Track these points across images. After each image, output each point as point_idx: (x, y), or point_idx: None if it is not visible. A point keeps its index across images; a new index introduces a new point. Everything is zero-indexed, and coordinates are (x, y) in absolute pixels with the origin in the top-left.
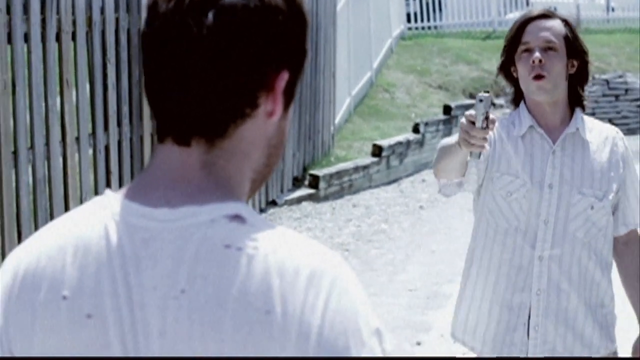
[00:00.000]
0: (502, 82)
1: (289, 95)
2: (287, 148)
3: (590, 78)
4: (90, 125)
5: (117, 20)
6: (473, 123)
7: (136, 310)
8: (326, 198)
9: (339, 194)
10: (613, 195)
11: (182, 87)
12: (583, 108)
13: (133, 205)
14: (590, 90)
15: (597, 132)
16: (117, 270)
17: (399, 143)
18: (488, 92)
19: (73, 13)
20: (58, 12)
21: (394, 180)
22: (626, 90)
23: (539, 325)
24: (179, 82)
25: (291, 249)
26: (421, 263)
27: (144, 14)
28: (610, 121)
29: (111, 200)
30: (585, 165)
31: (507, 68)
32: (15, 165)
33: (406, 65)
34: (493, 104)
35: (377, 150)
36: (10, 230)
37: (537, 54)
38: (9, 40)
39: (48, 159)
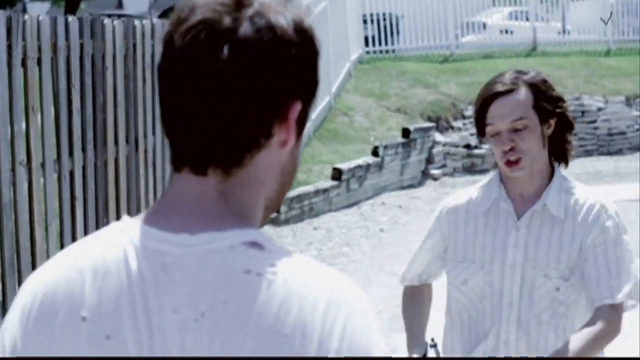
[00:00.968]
0: (460, 105)
1: (301, 124)
2: None
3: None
4: (55, 151)
5: (81, 46)
6: None
7: (155, 333)
8: (287, 221)
9: (299, 218)
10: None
11: (199, 119)
12: (567, 162)
13: (152, 231)
14: None
15: (575, 205)
16: (136, 293)
17: (359, 166)
18: (435, 345)
19: (38, 39)
20: (24, 39)
21: (354, 203)
22: (583, 112)
23: None
24: (196, 115)
25: (309, 274)
26: (383, 285)
27: (108, 39)
28: None
29: (129, 226)
30: (552, 245)
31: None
32: None
33: (365, 89)
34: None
35: (337, 174)
36: None
37: (505, 141)
38: None
39: (14, 184)
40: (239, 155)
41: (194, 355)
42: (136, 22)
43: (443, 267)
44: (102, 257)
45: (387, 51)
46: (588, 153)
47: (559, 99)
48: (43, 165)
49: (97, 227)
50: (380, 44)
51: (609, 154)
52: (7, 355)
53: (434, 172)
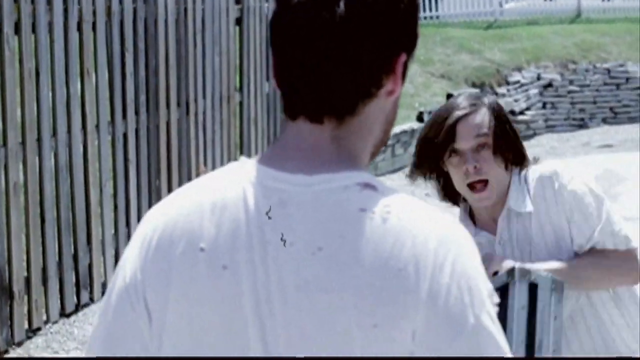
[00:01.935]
0: (504, 71)
1: (404, 75)
2: None
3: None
4: (109, 113)
5: (134, 10)
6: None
7: (270, 264)
8: None
9: None
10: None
11: (317, 71)
12: (523, 164)
13: (269, 171)
14: (592, 79)
15: (535, 193)
16: (253, 227)
17: (404, 132)
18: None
19: (93, 3)
20: (79, 3)
21: (399, 168)
22: (627, 79)
23: None
24: (314, 67)
25: (422, 214)
26: None
27: (160, 4)
28: (612, 110)
29: (247, 166)
30: (534, 240)
31: (428, 164)
32: (39, 152)
33: None
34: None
35: None
36: (34, 215)
37: (470, 159)
38: (33, 29)
39: (69, 146)
40: (353, 105)
41: (311, 287)
42: None
43: None
44: (221, 193)
45: (431, 17)
46: (632, 120)
47: (515, 134)
48: (97, 127)
49: (150, 190)
50: (424, 10)
51: None
52: (128, 284)
53: None
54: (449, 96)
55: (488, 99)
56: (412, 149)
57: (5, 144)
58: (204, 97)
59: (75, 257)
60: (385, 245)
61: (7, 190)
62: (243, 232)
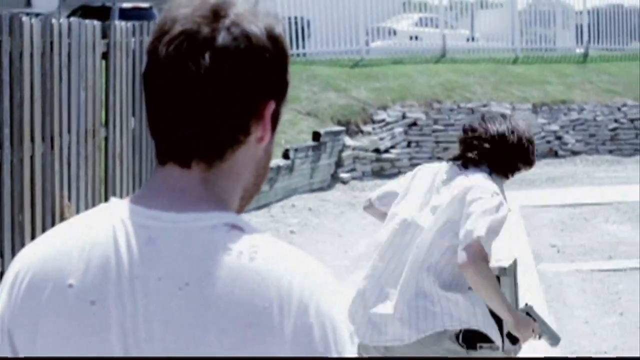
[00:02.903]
0: (370, 109)
1: (274, 121)
2: None
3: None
4: None
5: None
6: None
7: (139, 298)
8: None
9: None
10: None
11: (185, 120)
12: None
13: (139, 209)
14: (456, 119)
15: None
16: (122, 262)
17: (269, 169)
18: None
19: None
20: None
21: (265, 205)
22: None
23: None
24: (182, 117)
25: (287, 254)
26: None
27: (26, 37)
28: None
29: (117, 205)
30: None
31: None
32: None
33: None
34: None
35: None
36: None
37: None
38: None
39: None
40: (221, 151)
41: (177, 322)
42: (54, 20)
43: None
44: (91, 232)
45: (297, 55)
46: None
47: None
48: None
49: (13, 224)
50: (291, 47)
51: None
52: None
53: (344, 175)
54: (315, 134)
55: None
56: (277, 186)
57: None
58: (69, 131)
59: None
60: (252, 284)
61: None
62: (112, 268)
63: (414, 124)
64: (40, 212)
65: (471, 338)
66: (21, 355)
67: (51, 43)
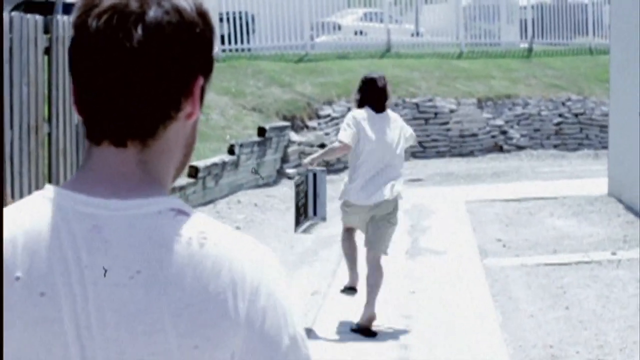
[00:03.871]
0: (315, 104)
1: (202, 98)
2: None
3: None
4: None
5: None
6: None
7: (89, 288)
8: None
9: None
10: None
11: (118, 95)
12: None
13: (80, 197)
14: (401, 114)
15: None
16: (68, 252)
17: (215, 164)
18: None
19: None
20: None
21: (210, 201)
22: (435, 114)
23: None
24: (114, 91)
25: (236, 240)
26: None
27: None
28: (420, 144)
29: (55, 193)
30: None
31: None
32: None
33: (220, 87)
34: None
35: (193, 171)
36: None
37: None
38: None
39: None
40: (154, 128)
41: (130, 310)
42: None
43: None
44: (32, 222)
45: (242, 50)
46: (440, 154)
47: None
48: None
49: None
50: (236, 42)
51: (461, 155)
52: None
53: (289, 170)
54: (260, 129)
55: None
56: (223, 182)
57: None
58: (11, 127)
59: None
60: (204, 270)
61: None
62: (58, 258)
63: None
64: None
65: None
66: None
67: None
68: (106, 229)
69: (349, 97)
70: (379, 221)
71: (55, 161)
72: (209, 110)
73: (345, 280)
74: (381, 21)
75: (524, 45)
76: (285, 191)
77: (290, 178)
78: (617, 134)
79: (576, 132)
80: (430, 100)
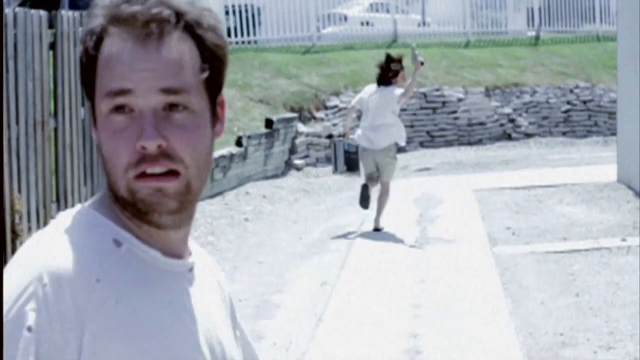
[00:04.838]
0: (322, 95)
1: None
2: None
3: None
4: None
5: None
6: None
7: None
8: None
9: None
10: None
11: None
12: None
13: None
14: (409, 103)
15: None
16: None
17: (222, 156)
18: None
19: None
20: None
21: (219, 193)
22: (443, 103)
23: None
24: None
25: (31, 242)
26: (249, 274)
27: None
28: (428, 133)
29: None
30: None
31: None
32: None
33: (227, 80)
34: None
35: None
36: None
37: None
38: None
39: None
40: None
41: None
42: None
43: None
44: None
45: (249, 42)
46: (449, 143)
47: None
48: None
49: None
50: (242, 34)
51: (469, 144)
52: None
53: (297, 162)
54: (268, 121)
55: None
56: (231, 174)
57: None
58: (17, 123)
59: None
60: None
61: None
62: None
63: None
64: None
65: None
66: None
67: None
68: None
69: (355, 88)
70: (382, 160)
71: (62, 156)
72: None
73: (352, 272)
74: (388, 11)
75: (531, 33)
76: (293, 182)
77: (298, 169)
78: (626, 120)
79: (584, 119)
80: (437, 89)
